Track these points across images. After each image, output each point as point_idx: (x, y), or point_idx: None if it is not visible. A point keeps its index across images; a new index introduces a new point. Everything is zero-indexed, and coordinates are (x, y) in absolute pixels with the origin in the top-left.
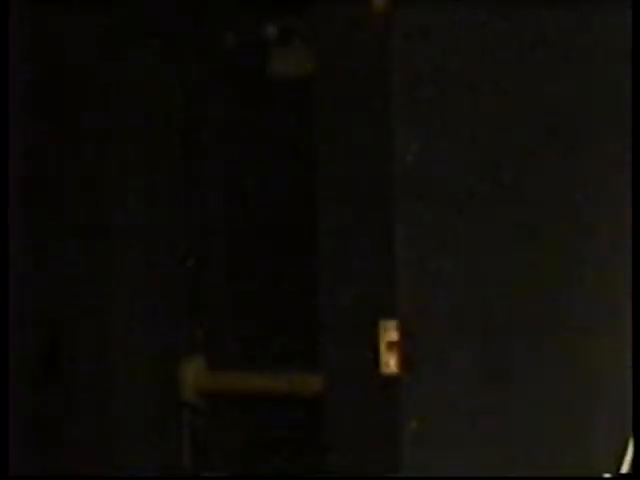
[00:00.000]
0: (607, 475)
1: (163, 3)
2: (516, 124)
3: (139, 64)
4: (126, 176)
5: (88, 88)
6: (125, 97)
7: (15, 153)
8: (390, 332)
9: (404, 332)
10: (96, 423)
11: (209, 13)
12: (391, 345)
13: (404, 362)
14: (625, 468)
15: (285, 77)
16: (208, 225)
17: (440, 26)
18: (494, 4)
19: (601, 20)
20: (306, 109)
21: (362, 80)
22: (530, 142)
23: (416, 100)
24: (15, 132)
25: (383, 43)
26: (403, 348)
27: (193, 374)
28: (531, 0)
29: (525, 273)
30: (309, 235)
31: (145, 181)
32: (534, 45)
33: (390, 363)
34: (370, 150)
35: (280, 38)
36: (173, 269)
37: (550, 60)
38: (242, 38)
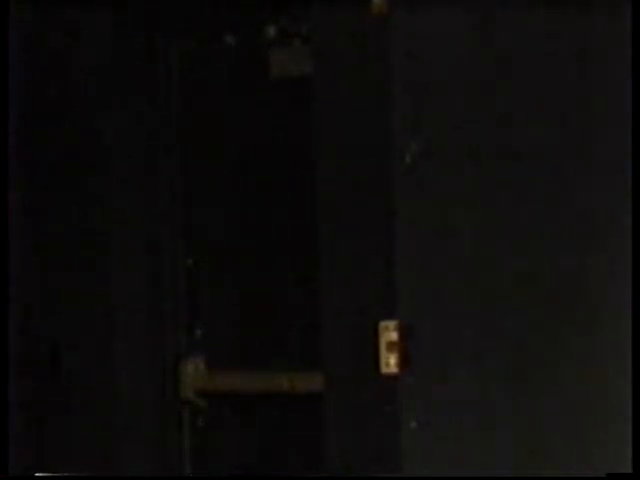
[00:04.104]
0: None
1: (163, 3)
2: (518, 124)
3: (139, 63)
4: (126, 175)
5: (87, 87)
6: (124, 97)
7: (15, 158)
8: (390, 332)
9: (404, 332)
10: (96, 423)
11: (209, 13)
12: (391, 345)
13: (404, 362)
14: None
15: (285, 77)
16: (208, 225)
17: (439, 26)
18: (493, 4)
19: (602, 20)
20: (306, 109)
21: (362, 80)
22: (531, 142)
23: (416, 100)
24: (14, 136)
25: (383, 43)
26: (403, 348)
27: (193, 374)
28: (531, 0)
29: (526, 272)
30: (309, 235)
31: (145, 180)
32: (534, 44)
33: (390, 363)
34: (370, 150)
35: (280, 38)
36: (173, 269)
37: (551, 58)
38: (242, 38)
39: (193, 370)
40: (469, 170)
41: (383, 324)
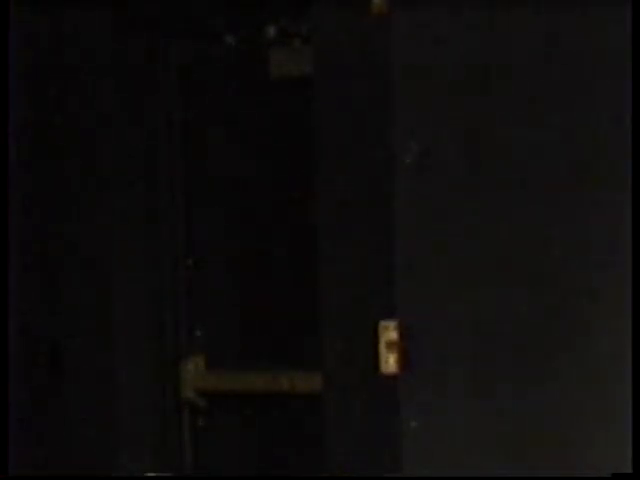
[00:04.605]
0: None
1: (163, 3)
2: (518, 123)
3: (138, 63)
4: (126, 175)
5: (87, 87)
6: (125, 97)
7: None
8: (390, 332)
9: (404, 332)
10: (96, 423)
11: (209, 13)
12: (391, 345)
13: (404, 362)
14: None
15: (285, 77)
16: (208, 225)
17: (440, 26)
18: (494, 4)
19: (601, 20)
20: (306, 109)
21: (362, 80)
22: (532, 141)
23: (416, 100)
24: (14, 136)
25: (383, 43)
26: (403, 348)
27: (193, 374)
28: (531, 0)
29: (525, 272)
30: (309, 235)
31: (145, 180)
32: (534, 44)
33: (390, 363)
34: (370, 150)
35: (280, 38)
36: (173, 269)
37: (551, 59)
38: (242, 38)
39: (193, 370)
40: (469, 170)
41: (383, 324)
